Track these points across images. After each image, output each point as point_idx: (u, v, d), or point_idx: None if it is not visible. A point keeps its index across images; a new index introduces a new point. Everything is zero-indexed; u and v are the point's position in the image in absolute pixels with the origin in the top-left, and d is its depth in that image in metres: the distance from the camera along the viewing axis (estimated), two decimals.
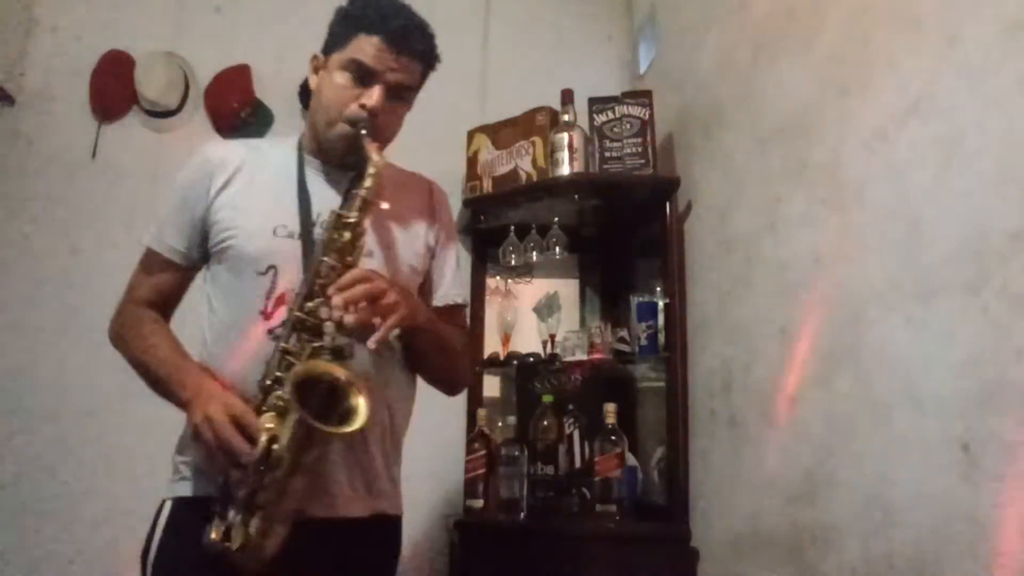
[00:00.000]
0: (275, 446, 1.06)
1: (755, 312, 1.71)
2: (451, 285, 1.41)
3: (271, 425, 1.08)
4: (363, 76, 1.23)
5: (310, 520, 1.11)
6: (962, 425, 1.05)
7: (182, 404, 1.14)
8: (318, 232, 1.22)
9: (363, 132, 1.22)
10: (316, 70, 1.31)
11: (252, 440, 1.06)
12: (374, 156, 1.21)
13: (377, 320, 1.12)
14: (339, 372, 1.11)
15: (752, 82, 1.80)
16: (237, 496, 1.07)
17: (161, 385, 1.19)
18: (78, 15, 2.53)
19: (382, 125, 1.25)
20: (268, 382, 1.13)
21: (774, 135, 1.67)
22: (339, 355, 1.12)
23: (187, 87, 2.51)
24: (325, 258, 1.16)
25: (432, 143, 2.56)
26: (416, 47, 1.27)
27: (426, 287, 1.39)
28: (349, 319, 1.10)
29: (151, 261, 1.29)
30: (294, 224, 1.23)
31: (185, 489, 1.18)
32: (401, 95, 1.28)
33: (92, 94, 2.47)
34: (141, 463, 2.05)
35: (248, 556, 1.07)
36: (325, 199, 1.26)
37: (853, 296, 1.34)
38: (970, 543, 1.02)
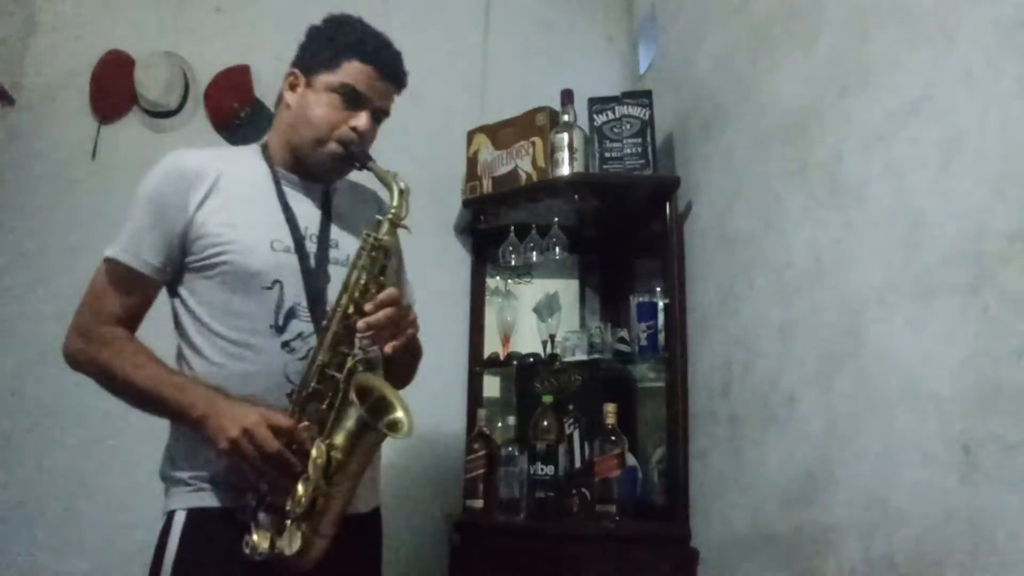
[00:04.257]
0: (334, 452, 1.12)
1: (755, 312, 1.71)
2: (403, 288, 1.48)
3: (312, 433, 1.14)
4: (353, 101, 1.31)
5: None
6: (962, 425, 1.05)
7: (191, 421, 1.14)
8: (308, 245, 1.29)
9: (368, 156, 1.31)
10: (293, 87, 1.36)
11: (300, 450, 1.11)
12: (399, 184, 1.29)
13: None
14: (385, 386, 1.21)
15: (752, 82, 1.80)
16: (281, 504, 1.11)
17: (156, 404, 1.18)
18: (78, 15, 2.53)
19: (367, 146, 1.34)
20: (305, 393, 1.17)
21: (774, 135, 1.67)
22: (371, 366, 1.22)
23: (187, 87, 2.51)
24: (358, 278, 1.23)
25: (432, 143, 2.57)
26: (400, 78, 1.37)
27: None
28: (387, 348, 1.21)
29: (120, 276, 1.24)
30: (287, 238, 1.28)
31: (203, 500, 1.18)
32: (379, 118, 1.37)
33: (92, 94, 2.47)
34: (143, 464, 2.04)
35: (302, 559, 1.11)
36: (305, 212, 1.33)
37: (853, 296, 1.34)
38: (970, 543, 1.02)
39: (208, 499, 1.18)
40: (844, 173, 1.39)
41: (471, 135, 2.46)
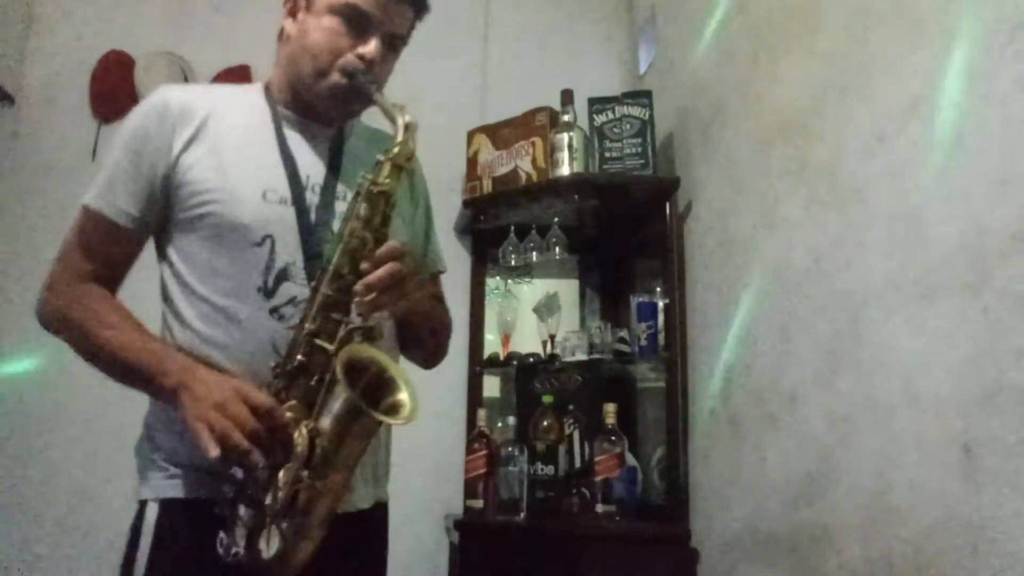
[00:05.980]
0: (318, 439, 0.95)
1: (755, 312, 1.71)
2: (433, 252, 1.35)
3: (297, 415, 0.97)
4: (358, 23, 1.11)
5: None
6: (962, 425, 1.05)
7: (164, 391, 1.00)
8: (309, 197, 1.11)
9: (373, 85, 1.10)
10: (293, 13, 1.16)
11: (281, 432, 0.94)
12: (404, 117, 1.09)
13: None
14: (386, 360, 1.03)
15: (752, 82, 1.80)
16: (260, 497, 0.94)
17: (129, 372, 1.03)
18: (78, 15, 2.53)
19: (379, 77, 1.14)
20: (289, 367, 1.01)
21: (774, 135, 1.67)
22: (369, 335, 1.03)
23: None
24: (354, 231, 1.04)
25: (432, 143, 2.56)
26: None
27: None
28: (376, 314, 1.03)
29: (96, 226, 1.09)
30: (283, 188, 1.10)
31: (179, 489, 1.04)
32: (395, 45, 1.17)
33: (92, 94, 2.48)
34: None
35: (282, 564, 0.95)
36: (308, 159, 1.15)
37: (853, 296, 1.34)
38: (970, 543, 1.02)
39: (185, 488, 1.04)
40: (844, 173, 1.39)
41: (471, 135, 2.46)
